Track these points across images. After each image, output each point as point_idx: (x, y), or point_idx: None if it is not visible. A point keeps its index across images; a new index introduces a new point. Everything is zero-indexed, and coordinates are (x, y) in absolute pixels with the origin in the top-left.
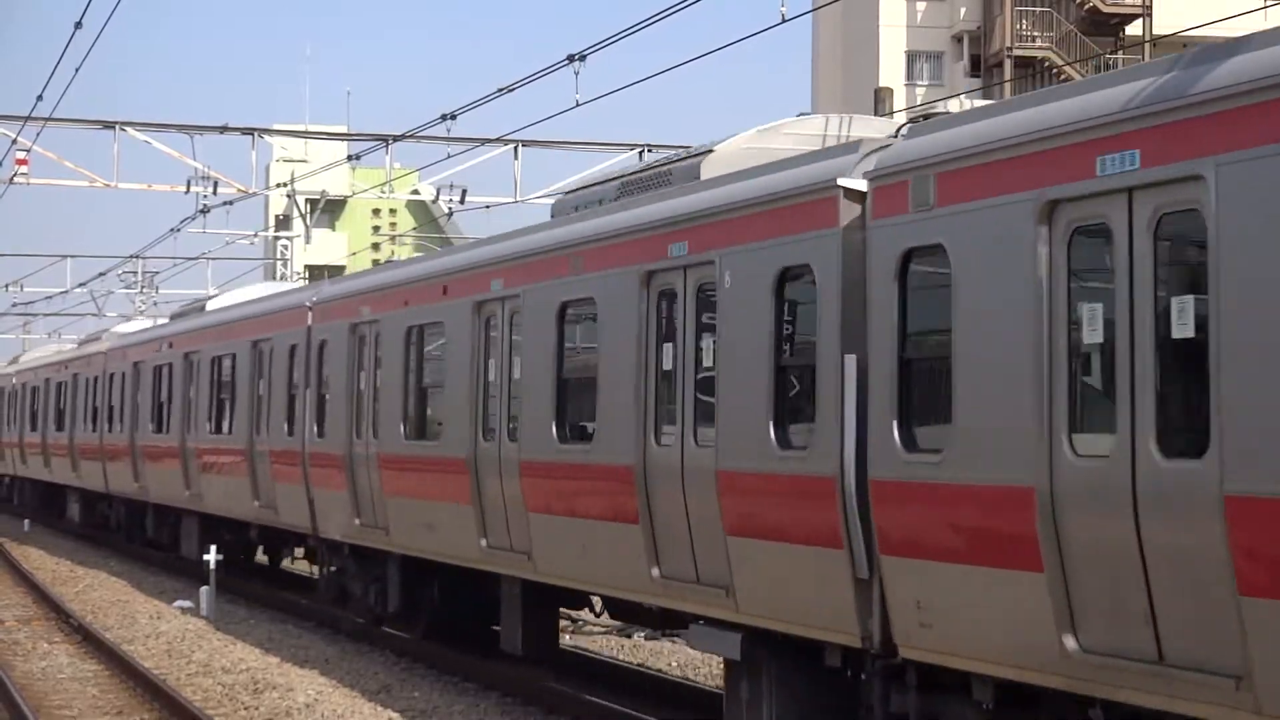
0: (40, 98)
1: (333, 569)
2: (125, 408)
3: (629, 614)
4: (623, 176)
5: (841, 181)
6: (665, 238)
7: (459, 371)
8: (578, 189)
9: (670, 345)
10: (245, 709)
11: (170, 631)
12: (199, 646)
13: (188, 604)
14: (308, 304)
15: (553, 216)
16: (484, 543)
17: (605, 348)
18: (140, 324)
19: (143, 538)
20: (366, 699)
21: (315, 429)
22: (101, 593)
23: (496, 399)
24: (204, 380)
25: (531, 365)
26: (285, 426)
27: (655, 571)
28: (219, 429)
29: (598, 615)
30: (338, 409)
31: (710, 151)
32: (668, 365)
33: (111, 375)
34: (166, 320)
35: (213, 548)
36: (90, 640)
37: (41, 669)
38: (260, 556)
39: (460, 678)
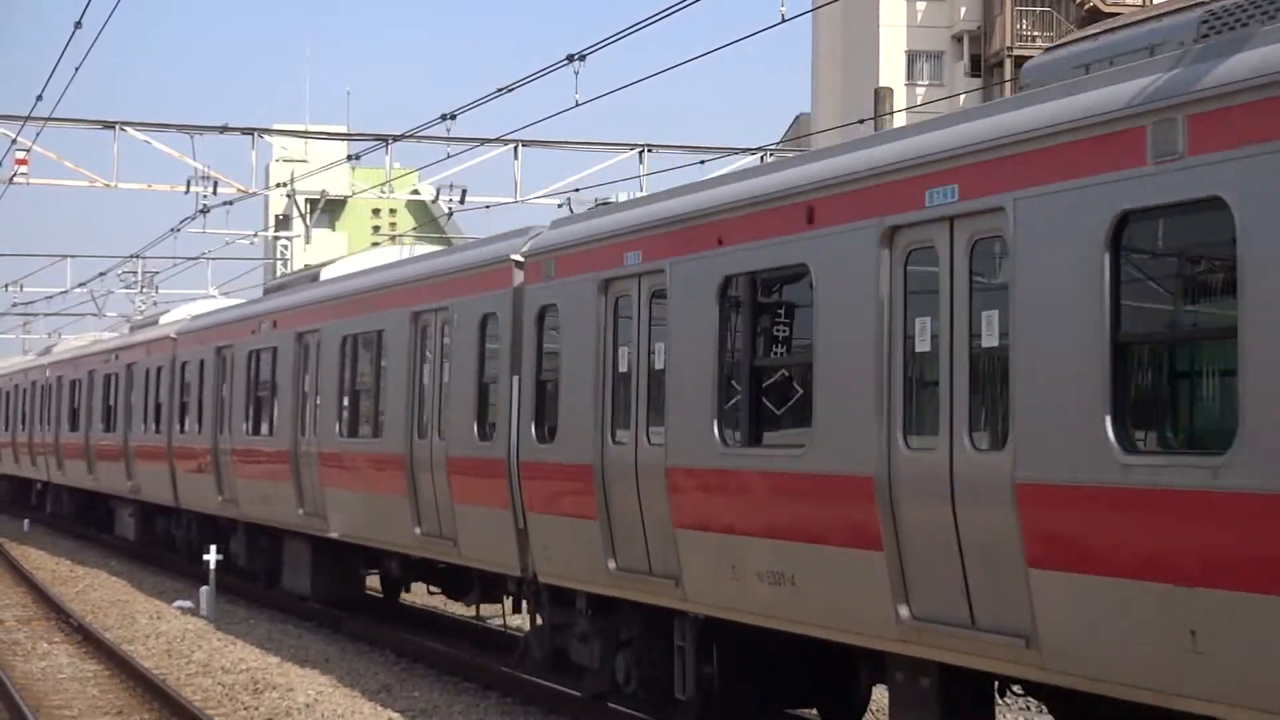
0: (40, 98)
1: (550, 625)
2: (204, 404)
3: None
4: (1205, 3)
5: None
6: None
7: (847, 340)
8: (1057, 45)
9: None
10: (245, 709)
11: (170, 631)
12: (199, 646)
13: (188, 604)
14: (516, 256)
15: (1022, 89)
16: (905, 611)
17: (1254, 289)
18: (221, 301)
19: (227, 564)
20: (366, 699)
21: (532, 430)
22: (101, 593)
23: (939, 381)
24: (329, 367)
25: (1029, 323)
26: (474, 427)
27: None
28: (354, 431)
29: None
30: (579, 402)
31: None
32: None
33: (184, 364)
34: (250, 299)
35: (213, 548)
36: (90, 640)
37: (41, 669)
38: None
39: (460, 678)
